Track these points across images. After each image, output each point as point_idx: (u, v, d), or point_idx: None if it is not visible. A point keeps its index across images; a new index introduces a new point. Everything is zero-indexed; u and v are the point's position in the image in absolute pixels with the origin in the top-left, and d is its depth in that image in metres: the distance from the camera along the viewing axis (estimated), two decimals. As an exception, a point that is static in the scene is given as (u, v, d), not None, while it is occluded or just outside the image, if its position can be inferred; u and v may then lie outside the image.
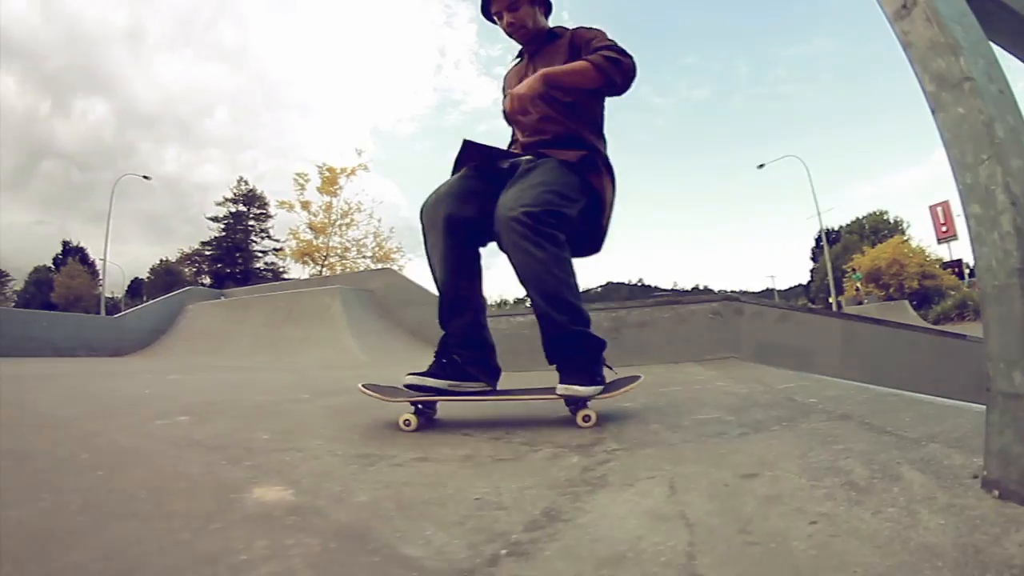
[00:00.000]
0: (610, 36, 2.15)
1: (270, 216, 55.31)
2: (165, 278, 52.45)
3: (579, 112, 2.16)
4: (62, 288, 51.03)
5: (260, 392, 3.45)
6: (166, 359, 10.33)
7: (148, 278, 58.21)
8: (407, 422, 1.87)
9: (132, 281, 60.43)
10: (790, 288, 72.44)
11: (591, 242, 2.20)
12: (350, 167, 29.15)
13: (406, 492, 1.24)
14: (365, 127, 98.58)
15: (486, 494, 1.20)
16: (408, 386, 1.95)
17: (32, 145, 74.63)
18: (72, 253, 59.86)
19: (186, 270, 54.66)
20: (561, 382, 1.87)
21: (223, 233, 54.81)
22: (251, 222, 55.74)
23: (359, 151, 42.95)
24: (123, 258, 65.97)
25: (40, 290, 53.85)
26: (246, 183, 56.73)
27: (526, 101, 1.98)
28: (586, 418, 1.83)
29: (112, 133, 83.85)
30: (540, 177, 1.94)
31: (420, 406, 1.92)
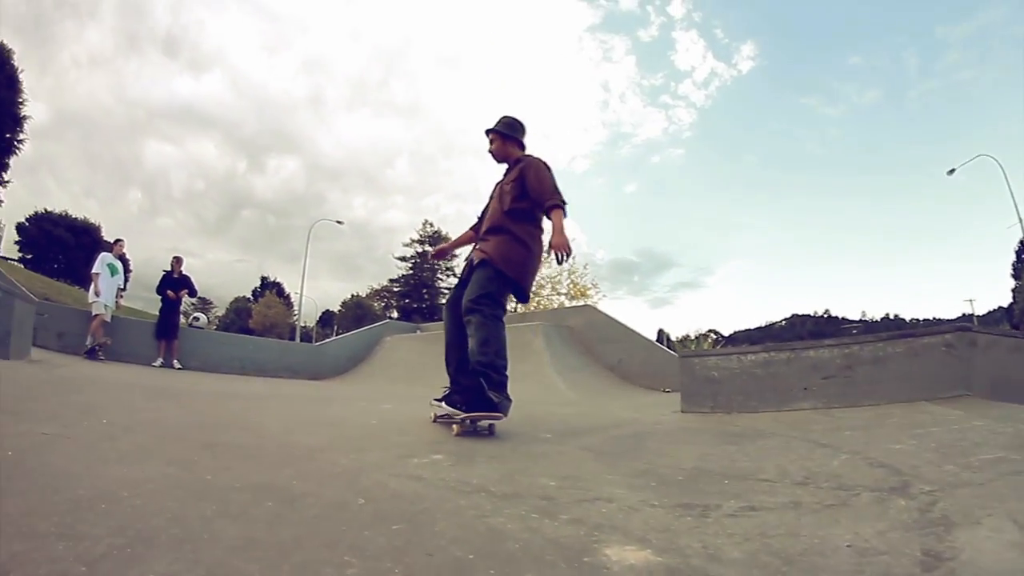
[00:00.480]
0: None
1: (455, 255, 57.81)
2: (356, 311, 56.45)
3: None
4: (259, 316, 57.18)
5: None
6: (363, 385, 9.96)
7: (339, 311, 63.13)
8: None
9: (323, 313, 66.54)
10: (988, 312, 63.41)
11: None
12: None
13: (774, 544, 1.20)
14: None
15: (853, 540, 1.21)
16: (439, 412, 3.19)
17: (233, 197, 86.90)
18: (269, 287, 67.64)
19: (375, 304, 58.29)
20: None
21: (410, 271, 58.43)
22: (437, 262, 58.10)
23: None
24: (315, 292, 73.56)
25: (239, 317, 61.36)
26: (431, 225, 60.69)
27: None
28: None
29: (303, 185, 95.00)
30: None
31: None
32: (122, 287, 9.75)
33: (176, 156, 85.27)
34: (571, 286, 27.00)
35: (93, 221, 52.98)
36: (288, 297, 63.49)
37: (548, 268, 27.51)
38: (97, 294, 9.17)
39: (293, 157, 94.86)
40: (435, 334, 12.90)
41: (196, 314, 11.64)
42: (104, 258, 9.60)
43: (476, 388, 2.83)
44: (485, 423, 2.95)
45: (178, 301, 10.08)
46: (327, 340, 12.54)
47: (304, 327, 53.32)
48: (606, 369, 10.11)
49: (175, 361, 9.73)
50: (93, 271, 9.39)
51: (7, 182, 31.28)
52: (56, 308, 10.10)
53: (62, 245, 48.92)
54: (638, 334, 10.56)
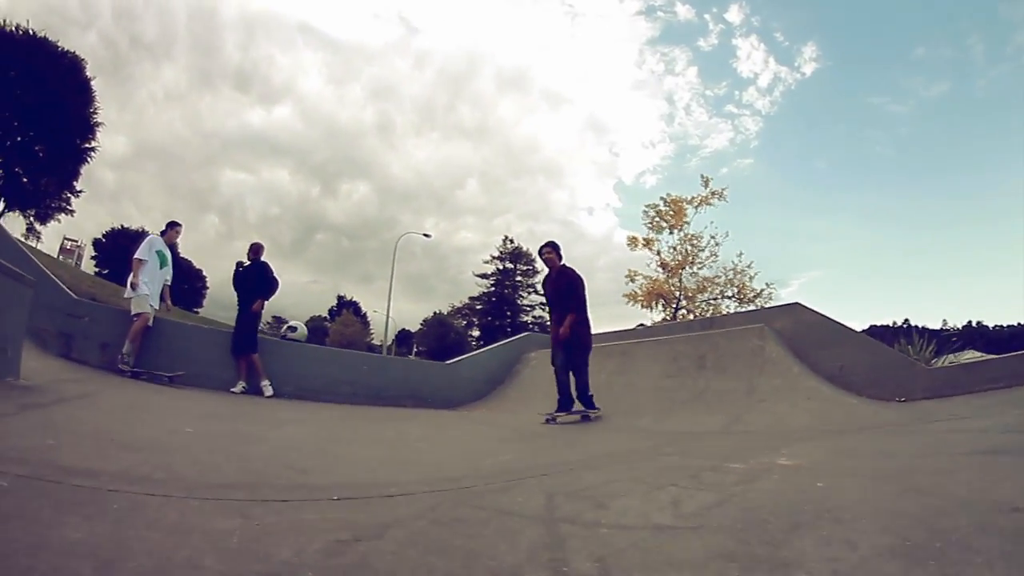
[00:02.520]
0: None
1: (537, 271, 56.00)
2: (438, 329, 54.54)
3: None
4: (336, 335, 55.87)
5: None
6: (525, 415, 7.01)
7: (420, 328, 61.34)
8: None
9: (400, 331, 65.22)
10: None
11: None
12: (698, 196, 24.54)
13: None
14: (608, 185, 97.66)
15: None
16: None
17: (307, 221, 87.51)
18: (346, 305, 66.81)
19: (456, 322, 56.22)
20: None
21: (492, 288, 56.26)
22: (518, 278, 56.71)
23: (706, 178, 25.58)
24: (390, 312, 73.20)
25: (315, 335, 60.02)
26: (511, 242, 58.35)
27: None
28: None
29: (375, 208, 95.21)
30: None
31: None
32: (170, 283, 7.56)
33: (251, 183, 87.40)
34: (736, 289, 23.39)
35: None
36: (364, 316, 62.54)
37: (710, 269, 24.20)
38: (134, 287, 6.88)
39: (364, 181, 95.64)
40: (610, 346, 10.01)
41: (293, 323, 8.99)
42: (152, 243, 7.37)
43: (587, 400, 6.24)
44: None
45: (257, 314, 7.62)
46: (458, 359, 9.57)
47: (379, 345, 52.02)
48: (826, 380, 7.31)
49: (264, 384, 7.29)
50: (136, 256, 7.12)
51: (80, 191, 30.11)
52: (100, 310, 7.67)
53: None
54: (861, 334, 8.18)
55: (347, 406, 7.41)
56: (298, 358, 8.11)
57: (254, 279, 7.61)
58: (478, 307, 56.34)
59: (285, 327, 9.32)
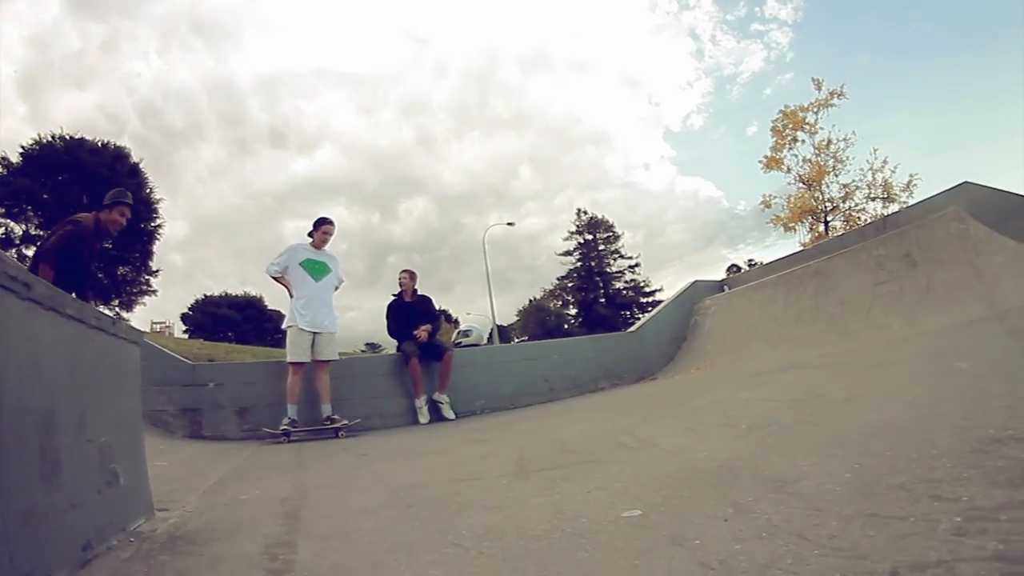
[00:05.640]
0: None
1: (618, 236, 56.07)
2: (537, 315, 54.61)
3: None
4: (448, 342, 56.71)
5: None
6: (751, 365, 6.38)
7: (517, 319, 61.69)
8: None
9: (496, 327, 65.48)
10: None
11: None
12: (816, 101, 23.37)
13: None
14: (657, 135, 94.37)
15: None
16: None
17: (376, 248, 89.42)
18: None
19: (551, 305, 56.20)
20: None
21: (578, 264, 55.81)
22: (601, 247, 55.96)
23: (819, 80, 23.31)
24: (476, 310, 74.69)
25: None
26: (585, 213, 57.43)
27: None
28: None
29: (438, 218, 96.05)
30: None
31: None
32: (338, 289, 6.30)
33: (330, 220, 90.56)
34: (880, 188, 22.32)
35: (254, 293, 53.62)
36: (456, 321, 63.50)
37: (847, 175, 23.14)
38: (295, 315, 5.67)
39: (421, 196, 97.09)
40: (751, 287, 9.49)
41: (465, 326, 8.79)
42: (295, 252, 5.90)
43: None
44: None
45: (433, 346, 6.76)
46: (640, 323, 9.39)
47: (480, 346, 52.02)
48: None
49: (442, 401, 6.49)
50: (272, 272, 5.88)
51: (157, 270, 31.92)
52: (225, 370, 6.86)
53: (228, 322, 50.32)
54: None
55: (555, 407, 6.31)
56: (484, 365, 7.74)
57: (419, 321, 6.80)
58: (570, 285, 55.99)
59: (457, 332, 9.12)
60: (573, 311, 55.86)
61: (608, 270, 55.40)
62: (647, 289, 54.19)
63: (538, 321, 53.33)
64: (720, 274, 14.56)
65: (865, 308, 7.02)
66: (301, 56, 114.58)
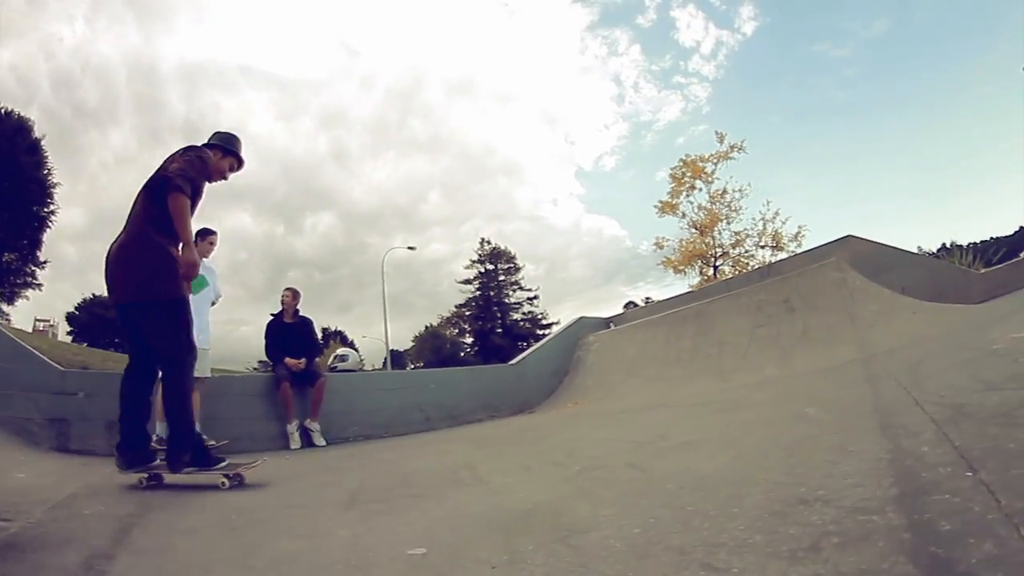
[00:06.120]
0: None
1: (519, 268, 56.48)
2: (432, 342, 53.89)
3: None
4: (324, 366, 54.78)
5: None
6: (626, 400, 6.42)
7: (412, 345, 60.68)
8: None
9: (391, 352, 64.32)
10: None
11: None
12: (717, 152, 24.70)
13: None
14: (569, 173, 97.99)
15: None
16: None
17: (277, 261, 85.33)
18: (332, 336, 65.86)
19: (447, 332, 55.69)
20: None
21: (477, 292, 55.65)
22: (501, 277, 56.20)
23: (721, 134, 25.04)
24: (374, 333, 71.81)
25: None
26: (488, 243, 57.54)
27: None
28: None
29: (342, 236, 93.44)
30: None
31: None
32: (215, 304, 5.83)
33: (217, 231, 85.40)
34: (769, 237, 23.54)
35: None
36: (352, 343, 61.79)
37: (739, 223, 24.40)
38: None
39: (328, 211, 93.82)
40: (635, 325, 9.77)
41: (341, 351, 8.38)
42: None
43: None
44: None
45: (306, 371, 6.31)
46: (522, 356, 9.27)
47: (373, 370, 51.16)
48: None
49: (313, 429, 6.14)
50: None
51: (44, 262, 28.52)
52: (98, 379, 6.09)
53: (116, 328, 46.62)
54: (916, 254, 8.96)
55: (430, 437, 6.20)
56: (354, 391, 7.25)
57: (296, 345, 6.41)
58: (467, 313, 55.56)
59: (333, 356, 8.72)
60: (469, 340, 55.59)
61: (507, 301, 55.57)
62: (544, 321, 54.59)
63: (433, 348, 52.62)
64: (618, 310, 14.93)
65: (743, 350, 7.25)
66: (231, 48, 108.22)
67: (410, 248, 38.06)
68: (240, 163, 3.90)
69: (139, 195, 3.38)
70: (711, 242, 24.42)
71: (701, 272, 24.42)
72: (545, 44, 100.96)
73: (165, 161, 3.41)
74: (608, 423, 4.68)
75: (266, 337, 6.54)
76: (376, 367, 54.39)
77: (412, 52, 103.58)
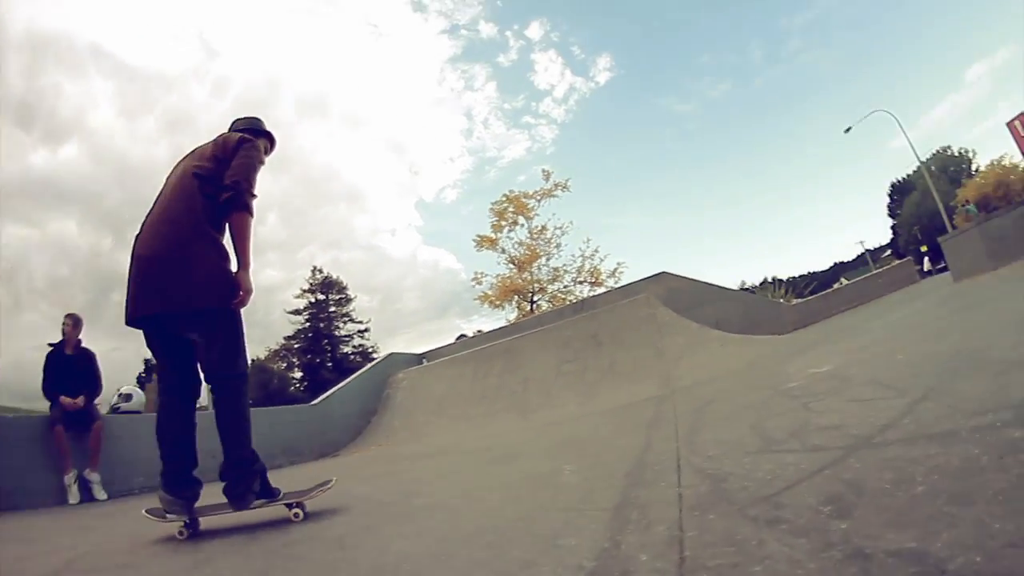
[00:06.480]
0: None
1: (350, 299, 55.11)
2: (259, 376, 49.98)
3: None
4: (153, 404, 48.87)
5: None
6: (452, 436, 6.40)
7: (237, 381, 55.74)
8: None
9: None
10: (878, 248, 74.55)
11: None
12: (541, 190, 25.34)
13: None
14: (410, 203, 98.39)
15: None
16: None
17: (100, 280, 74.86)
18: (154, 369, 58.83)
19: (275, 366, 52.05)
20: None
21: (307, 324, 53.06)
22: (332, 308, 54.22)
23: (547, 171, 25.77)
24: None
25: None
26: (320, 272, 55.54)
27: None
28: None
29: None
30: None
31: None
32: None
33: (36, 239, 71.85)
34: (588, 274, 24.51)
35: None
36: (143, 379, 55.25)
37: (558, 259, 25.23)
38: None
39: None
40: (445, 362, 9.90)
41: (124, 390, 7.44)
42: None
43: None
44: None
45: (82, 411, 5.63)
46: (327, 395, 8.94)
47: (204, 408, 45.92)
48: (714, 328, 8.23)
49: (92, 480, 5.47)
50: None
51: None
52: None
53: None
54: (728, 289, 9.38)
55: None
56: (146, 437, 6.58)
57: (74, 382, 5.75)
58: (296, 346, 52.43)
59: (116, 396, 7.68)
60: (299, 374, 52.37)
61: (337, 333, 53.59)
62: (375, 355, 53.04)
63: (260, 383, 48.79)
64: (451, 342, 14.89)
65: (548, 386, 7.41)
66: (86, 23, 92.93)
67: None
68: (273, 146, 3.47)
69: (184, 181, 2.82)
70: (529, 277, 25.08)
71: (519, 307, 24.93)
72: (405, 71, 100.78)
73: (216, 148, 2.92)
74: (378, 475, 4.47)
75: (44, 371, 5.69)
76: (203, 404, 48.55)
77: (272, 60, 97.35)
